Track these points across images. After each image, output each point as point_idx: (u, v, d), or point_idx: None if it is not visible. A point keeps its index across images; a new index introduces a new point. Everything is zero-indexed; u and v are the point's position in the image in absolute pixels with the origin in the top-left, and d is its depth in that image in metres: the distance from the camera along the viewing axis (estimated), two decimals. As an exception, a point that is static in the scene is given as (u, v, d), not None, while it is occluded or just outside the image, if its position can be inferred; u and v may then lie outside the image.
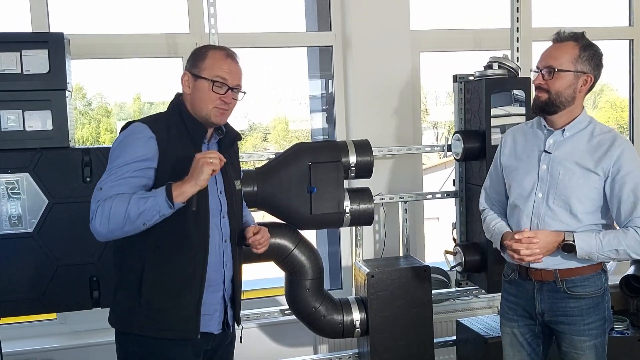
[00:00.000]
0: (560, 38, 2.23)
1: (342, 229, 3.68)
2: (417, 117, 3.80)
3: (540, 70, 2.22)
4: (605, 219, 2.24)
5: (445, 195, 3.53)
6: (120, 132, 2.02)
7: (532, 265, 2.26)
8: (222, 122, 2.07)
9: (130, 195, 1.86)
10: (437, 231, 4.75)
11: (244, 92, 2.08)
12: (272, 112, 4.22)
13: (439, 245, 3.74)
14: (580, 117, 2.26)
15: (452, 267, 3.40)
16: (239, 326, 2.23)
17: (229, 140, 2.15)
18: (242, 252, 2.20)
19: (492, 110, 3.15)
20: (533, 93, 2.31)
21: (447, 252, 3.43)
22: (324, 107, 3.93)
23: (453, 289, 3.62)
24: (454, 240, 3.48)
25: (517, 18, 3.46)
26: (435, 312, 3.27)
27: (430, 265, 3.32)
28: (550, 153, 2.26)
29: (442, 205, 4.04)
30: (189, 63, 2.07)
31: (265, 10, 3.84)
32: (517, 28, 3.45)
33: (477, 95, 3.25)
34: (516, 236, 2.18)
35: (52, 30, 3.25)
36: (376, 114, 3.59)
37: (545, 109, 2.23)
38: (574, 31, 2.24)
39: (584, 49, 2.20)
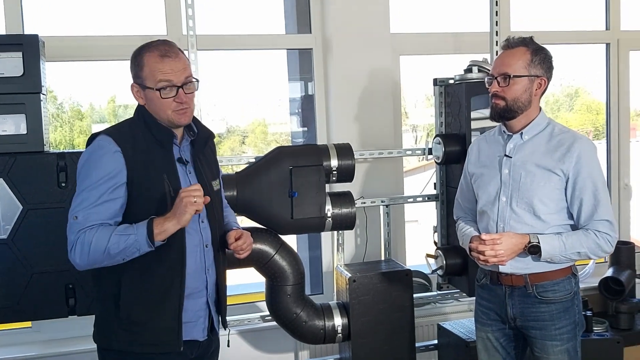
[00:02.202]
0: (511, 44, 2.26)
1: (323, 234, 3.66)
2: (397, 120, 3.80)
3: (495, 78, 2.24)
4: (572, 220, 2.26)
5: (426, 198, 3.53)
6: (86, 146, 1.95)
7: (502, 270, 2.27)
8: (188, 122, 2.00)
9: (110, 230, 1.82)
10: (417, 234, 4.74)
11: (197, 80, 1.99)
12: (251, 115, 4.18)
13: (419, 248, 3.73)
14: (537, 119, 2.29)
15: (433, 271, 3.39)
16: (225, 329, 2.18)
17: (201, 140, 2.08)
18: (226, 255, 2.16)
19: (472, 113, 3.16)
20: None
21: (428, 255, 3.42)
22: (297, 110, 3.90)
23: (434, 293, 3.62)
24: (435, 243, 3.48)
25: (497, 22, 3.46)
26: (417, 316, 3.25)
27: (411, 269, 3.31)
28: (511, 157, 2.29)
29: (421, 208, 4.04)
30: (131, 72, 1.98)
31: (245, 13, 3.80)
32: (497, 32, 3.46)
33: (457, 98, 3.25)
34: (482, 236, 2.19)
35: (26, 32, 3.18)
36: (357, 117, 3.58)
37: (504, 115, 2.27)
38: (523, 36, 2.28)
39: (535, 53, 2.23)
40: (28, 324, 3.32)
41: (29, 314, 2.70)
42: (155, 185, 1.90)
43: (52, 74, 3.32)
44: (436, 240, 3.48)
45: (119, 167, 1.87)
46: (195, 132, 2.07)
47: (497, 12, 3.46)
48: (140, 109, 2.01)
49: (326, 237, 3.67)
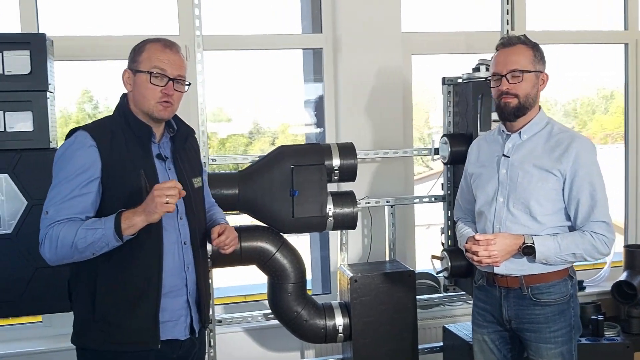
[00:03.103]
0: (511, 42, 2.23)
1: (331, 234, 3.65)
2: (408, 120, 3.76)
3: (504, 76, 2.20)
4: (569, 221, 2.21)
5: (433, 199, 3.49)
6: (65, 140, 1.97)
7: (497, 272, 2.24)
8: (167, 117, 2.01)
9: (78, 225, 1.81)
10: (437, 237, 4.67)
11: (189, 83, 2.02)
12: (280, 117, 4.18)
13: (434, 251, 3.68)
14: (536, 118, 2.25)
15: (438, 272, 3.35)
16: (205, 328, 2.17)
17: (181, 137, 2.09)
18: (207, 253, 2.14)
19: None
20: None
21: (433, 257, 3.38)
22: (312, 111, 3.89)
23: (440, 295, 3.57)
24: (442, 244, 3.44)
25: (508, 20, 3.41)
26: (424, 318, 3.22)
27: (422, 271, 3.27)
28: (509, 157, 2.25)
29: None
30: (129, 59, 2.02)
31: (262, 14, 3.81)
32: (508, 31, 3.40)
33: (465, 97, 3.21)
34: (476, 237, 2.16)
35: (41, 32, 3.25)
36: (367, 117, 3.56)
37: (517, 113, 2.22)
38: (517, 35, 2.27)
39: (535, 49, 2.22)
40: (39, 318, 3.38)
41: (32, 308, 2.74)
42: (131, 181, 1.90)
43: (90, 74, 3.40)
44: (443, 242, 3.44)
45: (93, 161, 1.88)
46: (175, 129, 2.08)
47: (508, 10, 3.41)
48: (121, 106, 2.03)
49: (334, 237, 3.66)
